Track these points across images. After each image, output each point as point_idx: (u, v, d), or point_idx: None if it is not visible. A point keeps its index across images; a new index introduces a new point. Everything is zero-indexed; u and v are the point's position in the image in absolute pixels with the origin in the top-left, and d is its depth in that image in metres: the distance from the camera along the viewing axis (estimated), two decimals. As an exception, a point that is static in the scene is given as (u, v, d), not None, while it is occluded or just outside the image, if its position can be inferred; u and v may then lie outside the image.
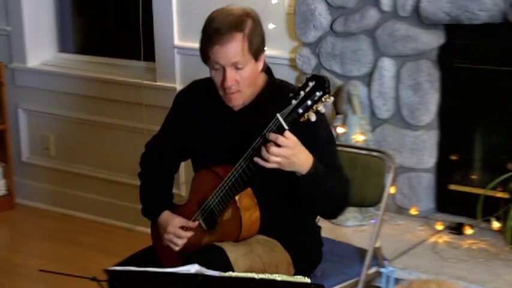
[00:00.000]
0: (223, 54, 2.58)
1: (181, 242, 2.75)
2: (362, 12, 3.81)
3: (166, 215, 2.80)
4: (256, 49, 2.61)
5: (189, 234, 2.74)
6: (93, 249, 4.53)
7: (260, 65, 2.67)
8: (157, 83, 4.59)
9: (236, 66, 2.59)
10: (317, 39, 3.97)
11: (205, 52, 2.63)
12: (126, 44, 4.94)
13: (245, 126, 2.66)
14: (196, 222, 2.74)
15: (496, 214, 3.58)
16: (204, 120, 2.78)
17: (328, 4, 3.91)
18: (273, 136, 2.44)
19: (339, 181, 2.63)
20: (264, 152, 2.46)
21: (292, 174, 2.53)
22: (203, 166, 2.75)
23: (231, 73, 2.60)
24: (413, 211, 3.83)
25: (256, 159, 2.48)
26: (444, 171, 3.85)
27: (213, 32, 2.59)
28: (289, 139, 2.45)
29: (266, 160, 2.46)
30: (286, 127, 2.43)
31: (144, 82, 4.62)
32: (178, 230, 2.74)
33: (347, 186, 2.68)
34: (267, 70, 2.75)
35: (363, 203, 3.14)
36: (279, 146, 2.44)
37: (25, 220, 5.07)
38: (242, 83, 2.62)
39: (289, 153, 2.46)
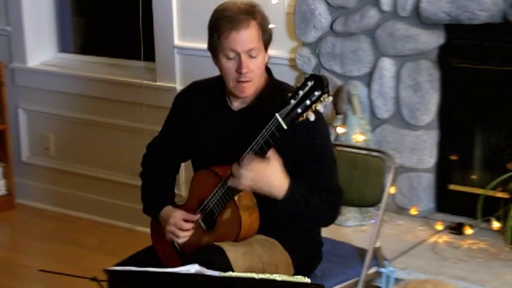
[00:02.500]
0: (240, 40, 2.59)
1: (183, 234, 2.74)
2: (362, 12, 3.81)
3: (167, 209, 2.80)
4: (267, 38, 2.65)
5: (191, 226, 2.74)
6: (93, 249, 4.53)
7: (266, 57, 2.69)
8: (157, 83, 4.59)
9: (250, 54, 2.60)
10: (317, 39, 3.97)
11: (218, 42, 2.62)
12: (126, 44, 4.94)
13: (244, 127, 2.67)
14: (198, 216, 2.74)
15: (496, 214, 3.58)
16: (203, 121, 2.78)
17: (328, 4, 3.91)
18: (247, 157, 2.51)
19: (326, 195, 2.65)
20: (234, 170, 2.53)
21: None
22: (203, 166, 2.75)
23: (246, 60, 2.60)
24: (413, 211, 3.83)
25: (230, 178, 2.56)
26: (444, 171, 3.85)
27: (229, 20, 2.59)
28: (261, 163, 2.50)
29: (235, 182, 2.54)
30: (285, 127, 2.44)
31: (144, 82, 4.62)
32: (180, 221, 2.73)
33: (337, 197, 2.70)
34: (267, 71, 2.75)
35: (363, 203, 3.14)
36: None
37: (25, 220, 5.07)
38: (255, 71, 2.63)
39: (259, 177, 2.51)
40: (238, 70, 2.61)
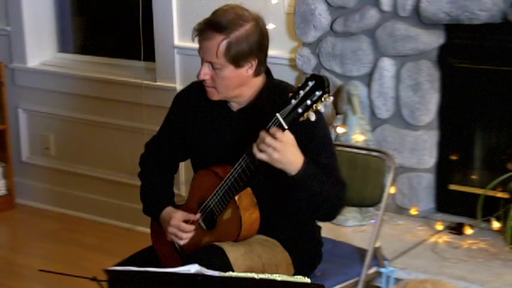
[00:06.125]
0: (201, 48, 2.63)
1: (185, 236, 2.74)
2: (362, 12, 3.81)
3: (168, 210, 2.80)
4: (236, 56, 2.58)
5: (192, 227, 2.74)
6: (93, 249, 4.53)
7: (249, 71, 2.64)
8: (157, 83, 4.59)
9: (212, 65, 2.61)
10: (317, 39, 3.97)
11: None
12: (126, 44, 4.94)
13: (244, 127, 2.67)
14: (198, 215, 2.74)
15: (496, 214, 3.58)
16: (203, 121, 2.78)
17: (328, 4, 3.91)
18: (272, 129, 2.44)
19: (333, 184, 2.62)
20: (258, 140, 2.47)
21: (284, 174, 2.52)
22: (202, 166, 2.76)
23: (205, 68, 2.63)
24: (413, 211, 3.83)
25: (252, 146, 2.48)
26: (444, 171, 3.85)
27: (202, 23, 2.62)
28: (285, 135, 2.45)
29: (257, 147, 2.46)
30: (286, 126, 2.43)
31: (144, 82, 4.62)
32: (181, 224, 2.73)
33: (343, 190, 2.68)
34: (266, 71, 2.74)
35: (363, 203, 3.14)
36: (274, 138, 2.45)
37: (25, 220, 5.07)
38: (217, 82, 2.63)
39: (280, 147, 2.45)
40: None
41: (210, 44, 2.59)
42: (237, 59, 2.59)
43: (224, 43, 2.57)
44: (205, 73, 2.63)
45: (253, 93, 2.70)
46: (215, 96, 2.67)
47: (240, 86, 2.65)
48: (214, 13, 2.64)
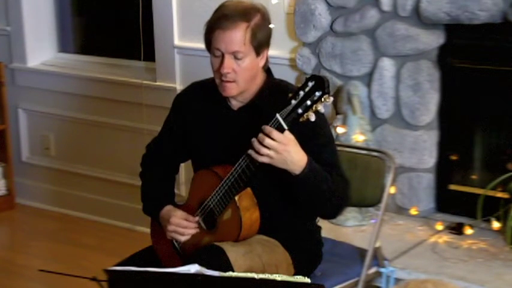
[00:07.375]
0: (224, 40, 2.59)
1: (186, 232, 2.74)
2: (362, 12, 3.81)
3: (168, 208, 2.80)
4: (259, 43, 2.61)
5: (192, 224, 2.74)
6: (93, 249, 4.53)
7: (261, 62, 2.67)
8: (157, 83, 4.60)
9: (235, 56, 2.60)
10: (317, 39, 3.97)
11: (208, 36, 2.64)
12: (126, 44, 4.94)
13: (244, 126, 2.66)
14: (197, 218, 2.74)
15: (496, 214, 3.58)
16: (203, 121, 2.78)
17: (328, 4, 3.91)
18: (268, 129, 2.44)
19: (337, 182, 2.62)
20: (255, 143, 2.46)
21: (288, 174, 2.53)
22: (203, 166, 2.76)
23: (229, 61, 2.60)
24: (413, 211, 3.83)
25: (250, 151, 2.48)
26: (444, 171, 3.85)
27: (219, 17, 2.60)
28: (285, 136, 2.45)
29: (257, 152, 2.45)
30: (286, 127, 2.43)
31: (144, 82, 4.62)
32: (182, 221, 2.73)
33: (346, 186, 2.67)
34: (266, 70, 2.75)
35: (363, 203, 3.14)
36: (273, 140, 2.44)
37: (25, 220, 5.07)
38: (239, 74, 2.62)
39: (281, 148, 2.45)
40: (219, 69, 2.62)
41: (235, 33, 2.58)
42: (259, 46, 2.62)
43: (249, 30, 2.59)
44: (230, 66, 2.60)
45: (255, 90, 2.70)
46: (234, 90, 2.65)
47: (254, 78, 2.67)
48: (224, 8, 2.63)
